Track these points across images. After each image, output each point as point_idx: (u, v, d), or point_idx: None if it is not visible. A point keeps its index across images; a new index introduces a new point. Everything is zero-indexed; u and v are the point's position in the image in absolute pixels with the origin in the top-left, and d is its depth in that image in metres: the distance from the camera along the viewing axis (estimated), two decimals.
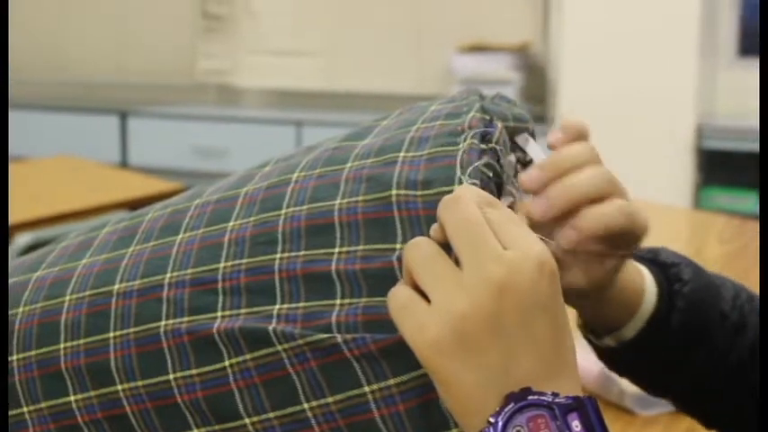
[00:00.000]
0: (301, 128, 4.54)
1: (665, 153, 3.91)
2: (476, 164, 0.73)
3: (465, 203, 0.65)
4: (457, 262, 0.65)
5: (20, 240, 2.59)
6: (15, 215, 2.73)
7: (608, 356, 0.90)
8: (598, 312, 0.86)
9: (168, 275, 0.76)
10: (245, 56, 5.02)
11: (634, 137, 3.89)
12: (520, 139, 0.83)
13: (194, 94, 5.09)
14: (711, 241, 2.22)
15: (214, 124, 4.77)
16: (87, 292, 0.78)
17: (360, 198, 0.74)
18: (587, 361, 1.35)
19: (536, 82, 4.33)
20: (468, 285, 0.63)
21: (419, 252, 0.66)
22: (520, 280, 0.63)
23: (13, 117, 4.67)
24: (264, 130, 4.63)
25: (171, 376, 0.73)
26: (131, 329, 0.75)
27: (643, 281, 0.87)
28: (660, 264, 0.89)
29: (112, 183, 3.30)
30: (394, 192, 0.73)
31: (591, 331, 0.90)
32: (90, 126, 4.87)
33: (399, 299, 0.65)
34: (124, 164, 4.75)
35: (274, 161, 0.84)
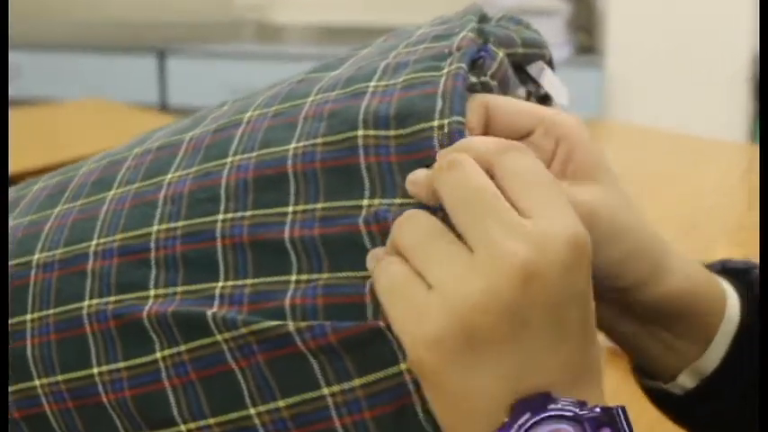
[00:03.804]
0: None
1: (719, 83, 3.73)
2: (460, 92, 0.57)
3: (464, 169, 0.50)
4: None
5: None
6: (40, 159, 2.63)
7: (683, 405, 0.67)
8: (658, 336, 0.65)
9: (95, 242, 0.61)
10: None
11: (687, 67, 3.71)
12: (533, 69, 0.67)
13: (233, 31, 4.96)
14: None
15: (254, 62, 4.62)
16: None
17: (319, 140, 0.58)
18: None
19: (583, 11, 4.15)
20: (482, 268, 0.48)
21: (417, 228, 0.51)
22: (549, 263, 0.48)
23: (48, 59, 4.58)
24: (306, 68, 4.48)
25: (95, 370, 0.59)
26: (51, 311, 0.61)
27: (719, 288, 0.65)
28: (731, 271, 0.67)
29: (144, 125, 3.17)
30: (360, 132, 0.57)
31: (648, 375, 0.68)
32: (127, 66, 4.75)
33: (391, 276, 0.50)
34: (163, 105, 4.63)
35: (233, 99, 0.69)
